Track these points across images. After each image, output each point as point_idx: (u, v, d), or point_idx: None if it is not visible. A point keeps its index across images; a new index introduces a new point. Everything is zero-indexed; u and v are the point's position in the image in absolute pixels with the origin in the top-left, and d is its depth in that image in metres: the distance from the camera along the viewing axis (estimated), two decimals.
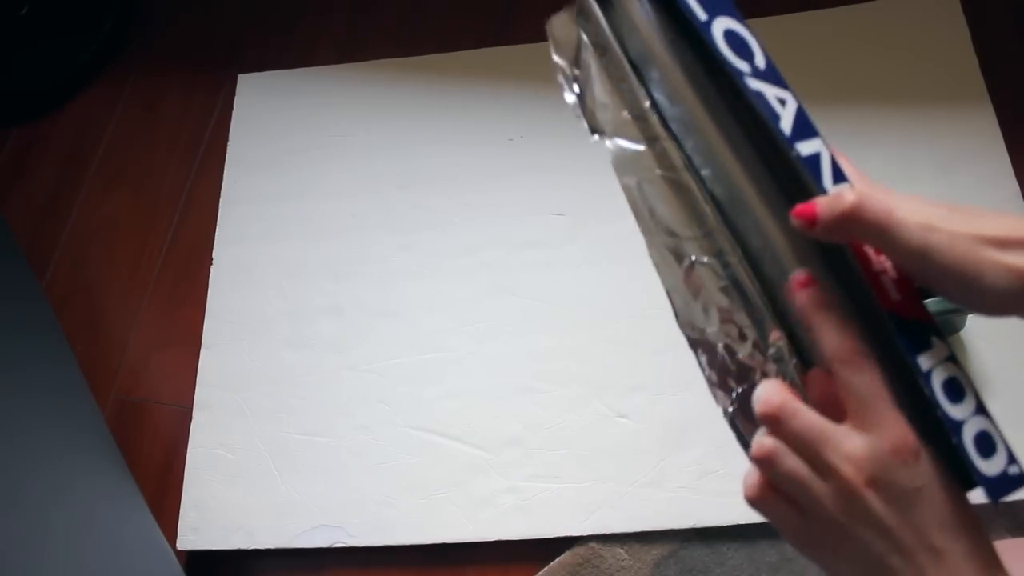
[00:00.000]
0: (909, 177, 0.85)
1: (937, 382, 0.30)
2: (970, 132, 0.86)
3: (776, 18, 0.96)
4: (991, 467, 0.30)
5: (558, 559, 0.76)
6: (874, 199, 0.30)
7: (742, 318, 0.36)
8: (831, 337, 0.32)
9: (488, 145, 0.97)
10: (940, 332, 0.31)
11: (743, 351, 0.36)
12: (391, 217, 0.95)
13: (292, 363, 0.89)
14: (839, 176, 0.32)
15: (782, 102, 0.32)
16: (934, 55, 0.90)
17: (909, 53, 0.91)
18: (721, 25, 0.33)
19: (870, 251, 0.32)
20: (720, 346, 0.37)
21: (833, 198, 0.31)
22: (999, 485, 0.30)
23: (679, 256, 0.37)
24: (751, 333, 0.36)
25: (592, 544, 0.76)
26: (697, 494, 0.76)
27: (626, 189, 0.37)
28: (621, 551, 0.76)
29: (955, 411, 0.30)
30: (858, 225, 0.30)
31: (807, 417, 0.32)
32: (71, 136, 1.13)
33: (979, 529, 0.31)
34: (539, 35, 1.03)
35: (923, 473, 0.30)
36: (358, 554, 0.80)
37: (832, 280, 0.33)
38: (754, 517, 0.78)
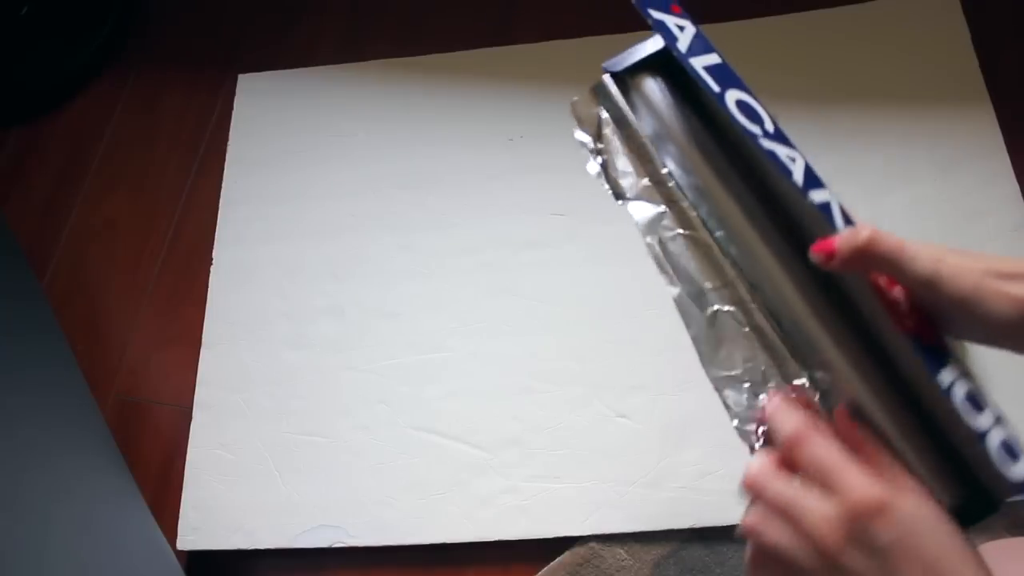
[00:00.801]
0: (909, 177, 0.85)
1: (958, 396, 0.32)
2: (970, 132, 0.86)
3: (776, 18, 0.96)
4: (1018, 472, 0.31)
5: (558, 559, 0.76)
6: (887, 233, 0.33)
7: (764, 361, 0.39)
8: (782, 426, 0.35)
9: (488, 145, 0.97)
10: (954, 355, 0.33)
11: (765, 394, 0.39)
12: (391, 217, 0.95)
13: (292, 363, 0.89)
14: (849, 221, 0.35)
15: (792, 159, 0.36)
16: (934, 55, 0.90)
17: (909, 53, 0.91)
18: (733, 96, 0.37)
19: (883, 285, 0.35)
20: (744, 386, 0.39)
21: (850, 233, 0.34)
22: None
23: (702, 305, 0.40)
24: (774, 376, 0.38)
25: (592, 544, 0.76)
26: (697, 494, 0.76)
27: (650, 247, 0.42)
28: (621, 551, 0.76)
29: (978, 422, 0.32)
30: (873, 256, 0.33)
31: (781, 487, 0.34)
32: (71, 136, 1.13)
33: (972, 565, 0.31)
34: (539, 35, 1.04)
35: (898, 524, 0.31)
36: (358, 554, 0.80)
37: (838, 320, 0.36)
38: None
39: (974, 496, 0.33)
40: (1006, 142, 0.85)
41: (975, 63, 0.88)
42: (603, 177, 0.43)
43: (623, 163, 0.42)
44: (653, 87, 0.42)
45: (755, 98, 0.37)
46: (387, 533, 0.80)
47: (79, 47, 1.15)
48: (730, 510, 0.74)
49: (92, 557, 0.68)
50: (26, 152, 1.13)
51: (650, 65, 0.41)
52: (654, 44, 0.41)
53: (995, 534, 0.71)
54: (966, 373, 0.33)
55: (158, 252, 1.02)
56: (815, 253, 0.35)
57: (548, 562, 0.77)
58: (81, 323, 0.99)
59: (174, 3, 1.20)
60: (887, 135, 0.87)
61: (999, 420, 0.32)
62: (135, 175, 1.08)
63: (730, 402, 0.39)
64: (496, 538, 0.78)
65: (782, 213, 0.38)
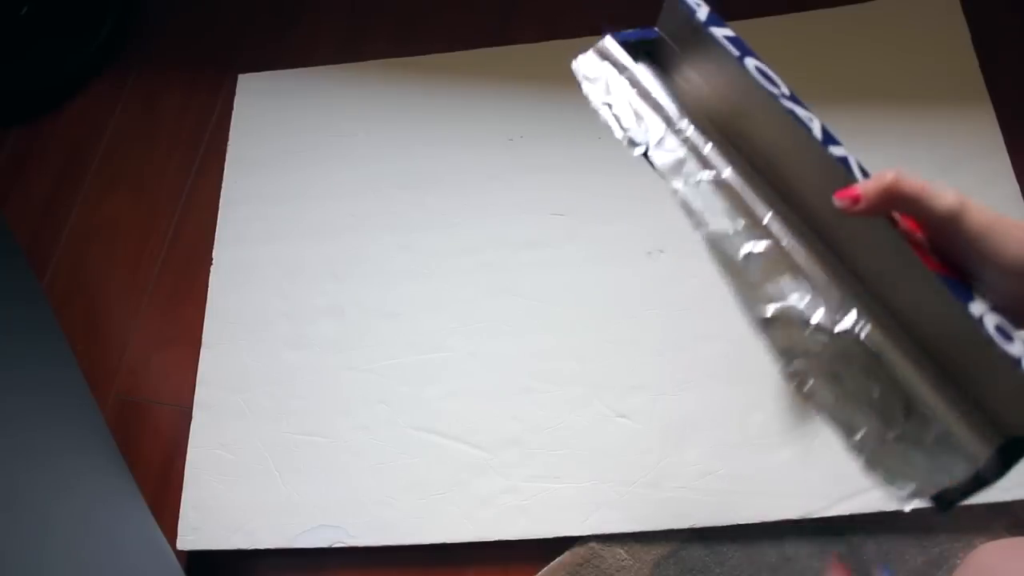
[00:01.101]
0: None
1: (990, 326, 0.33)
2: (970, 132, 0.86)
3: (776, 18, 0.96)
4: None
5: (558, 559, 0.76)
6: (910, 175, 0.35)
7: (806, 294, 0.39)
8: None
9: (488, 145, 0.97)
10: (978, 291, 0.35)
11: (810, 324, 0.39)
12: (391, 217, 0.95)
13: (292, 363, 0.89)
14: (866, 174, 0.37)
15: (809, 119, 0.38)
16: (934, 55, 0.90)
17: (909, 53, 0.91)
18: (751, 62, 0.39)
19: (906, 229, 0.36)
20: (785, 325, 0.40)
21: (875, 177, 0.36)
22: None
23: (734, 247, 0.40)
24: (815, 310, 0.39)
25: (592, 544, 0.76)
26: (697, 494, 0.76)
27: (674, 193, 0.41)
28: (621, 551, 0.76)
29: (1012, 349, 0.33)
30: (899, 196, 0.35)
31: None
32: (71, 136, 1.13)
33: None
34: (539, 35, 1.04)
35: None
36: (358, 554, 0.80)
37: (848, 276, 0.38)
38: (754, 517, 0.78)
39: (1007, 440, 0.33)
40: (1006, 142, 0.85)
41: (975, 63, 0.88)
42: (619, 127, 0.43)
43: (637, 112, 0.43)
44: (644, 69, 0.44)
45: (771, 67, 0.39)
46: (387, 533, 0.80)
47: (79, 47, 1.15)
48: (730, 510, 0.74)
49: (92, 557, 0.68)
50: (26, 152, 1.13)
51: (638, 49, 0.44)
52: (643, 33, 0.43)
53: (995, 534, 0.71)
54: (993, 308, 0.34)
55: (158, 252, 1.02)
56: (840, 199, 0.36)
57: (548, 562, 0.77)
58: (81, 323, 0.99)
59: (174, 3, 1.20)
60: (887, 135, 0.87)
61: None
62: (135, 175, 1.08)
63: (773, 344, 0.39)
64: (496, 538, 0.78)
65: (782, 188, 0.40)
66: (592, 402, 0.81)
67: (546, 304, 0.87)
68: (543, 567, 0.77)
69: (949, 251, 0.35)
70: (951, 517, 0.72)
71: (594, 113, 0.42)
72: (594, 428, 0.80)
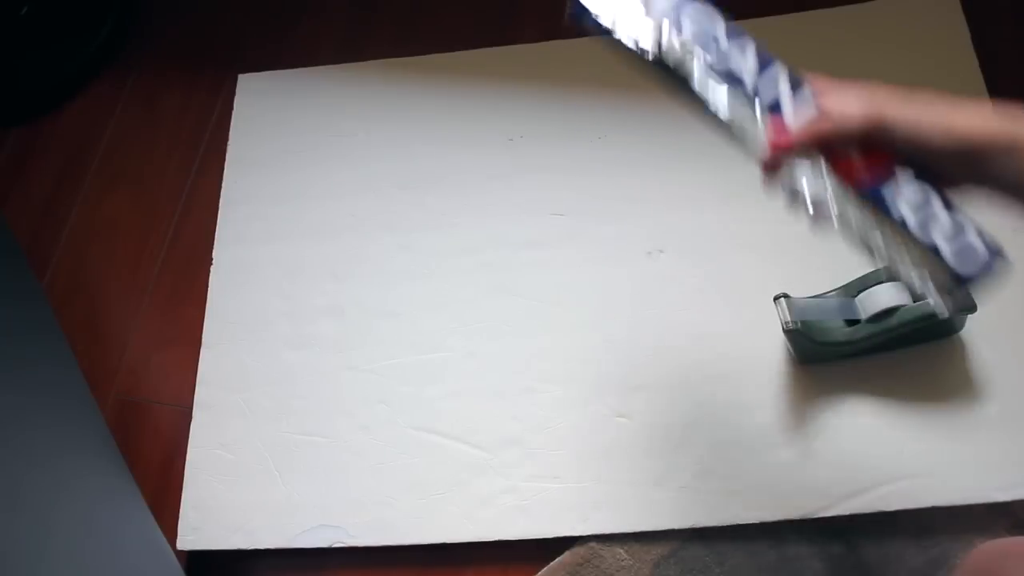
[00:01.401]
0: None
1: (912, 220, 0.41)
2: None
3: (776, 18, 0.96)
4: (965, 269, 0.41)
5: (558, 559, 0.76)
6: (816, 122, 0.43)
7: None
8: None
9: (488, 145, 0.97)
10: (913, 173, 0.41)
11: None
12: (391, 217, 0.95)
13: (292, 363, 0.89)
14: (796, 84, 0.47)
15: (742, 50, 0.49)
16: (934, 55, 0.90)
17: (909, 53, 0.91)
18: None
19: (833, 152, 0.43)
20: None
21: (799, 127, 0.43)
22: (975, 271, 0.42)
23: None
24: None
25: (592, 544, 0.76)
26: (697, 494, 0.76)
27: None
28: (621, 551, 0.76)
29: (933, 237, 0.40)
30: (819, 139, 0.42)
31: None
32: (71, 136, 1.13)
33: None
34: (539, 35, 1.03)
35: None
36: (358, 554, 0.80)
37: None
38: (754, 517, 0.78)
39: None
40: None
41: (975, 63, 0.88)
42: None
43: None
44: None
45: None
46: (387, 533, 0.80)
47: (79, 47, 1.15)
48: (730, 510, 0.74)
49: (92, 557, 0.68)
50: (26, 152, 1.13)
51: None
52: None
53: (995, 534, 0.71)
54: (935, 189, 0.40)
55: (158, 252, 1.02)
56: (770, 148, 0.42)
57: (548, 562, 0.77)
58: (81, 323, 0.99)
59: (174, 3, 1.20)
60: None
61: (956, 230, 0.40)
62: (135, 175, 1.08)
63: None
64: (496, 538, 0.78)
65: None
66: (592, 402, 0.81)
67: (546, 304, 0.87)
68: (543, 567, 0.77)
69: (888, 150, 0.40)
70: (951, 517, 0.71)
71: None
72: (594, 428, 0.80)
